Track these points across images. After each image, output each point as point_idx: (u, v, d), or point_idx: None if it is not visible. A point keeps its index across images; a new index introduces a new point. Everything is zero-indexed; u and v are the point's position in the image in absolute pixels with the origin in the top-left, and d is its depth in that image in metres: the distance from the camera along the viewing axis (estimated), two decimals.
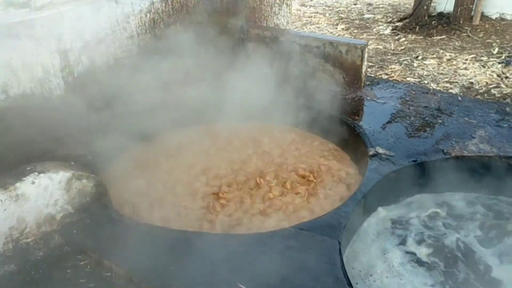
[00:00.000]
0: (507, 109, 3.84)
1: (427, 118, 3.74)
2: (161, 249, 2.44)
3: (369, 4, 9.61)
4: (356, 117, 3.84)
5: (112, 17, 3.40)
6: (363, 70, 4.23)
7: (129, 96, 3.69)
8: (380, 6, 9.44)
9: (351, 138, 3.68)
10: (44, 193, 2.54)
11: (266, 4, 5.01)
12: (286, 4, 5.38)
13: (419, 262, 2.76)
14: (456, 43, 6.67)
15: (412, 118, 3.75)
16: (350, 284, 2.17)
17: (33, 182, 2.50)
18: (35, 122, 3.03)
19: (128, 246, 2.46)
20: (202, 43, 4.29)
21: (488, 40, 6.69)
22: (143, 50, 3.74)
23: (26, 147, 2.90)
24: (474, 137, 3.42)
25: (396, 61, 6.16)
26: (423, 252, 2.83)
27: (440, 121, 3.69)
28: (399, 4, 9.52)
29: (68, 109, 3.24)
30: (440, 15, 7.82)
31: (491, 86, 5.09)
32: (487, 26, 7.28)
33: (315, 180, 3.38)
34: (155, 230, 2.60)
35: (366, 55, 4.20)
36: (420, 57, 6.21)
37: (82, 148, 3.17)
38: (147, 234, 2.55)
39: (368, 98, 4.16)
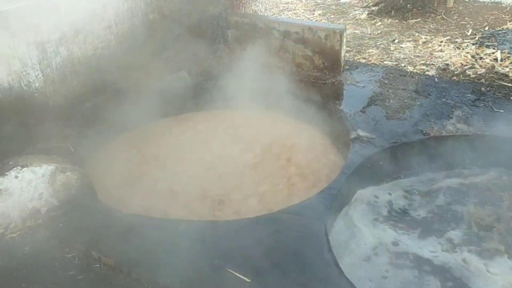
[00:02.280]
0: (482, 89, 3.94)
1: (405, 100, 3.81)
2: (149, 238, 2.45)
3: None
4: (337, 101, 3.89)
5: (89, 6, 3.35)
6: (342, 54, 4.26)
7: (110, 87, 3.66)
8: None
9: (332, 122, 3.73)
10: (28, 187, 2.51)
11: None
12: None
13: None
14: (431, 26, 6.76)
15: (391, 101, 3.81)
16: (337, 265, 2.23)
17: (16, 177, 2.47)
18: (15, 116, 2.98)
19: (115, 237, 2.47)
20: (182, 32, 4.26)
21: (462, 22, 6.80)
22: (121, 40, 3.69)
23: (7, 141, 2.86)
24: (451, 117, 3.50)
25: (373, 45, 6.22)
26: None
27: (418, 102, 3.77)
28: None
29: (48, 101, 3.19)
30: None
31: (466, 67, 5.19)
32: (460, 8, 7.39)
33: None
34: (142, 220, 2.61)
35: (344, 40, 4.23)
36: (396, 41, 6.28)
37: (64, 141, 3.14)
38: (134, 224, 2.55)
39: (348, 82, 4.21)
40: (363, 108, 3.72)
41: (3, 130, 2.86)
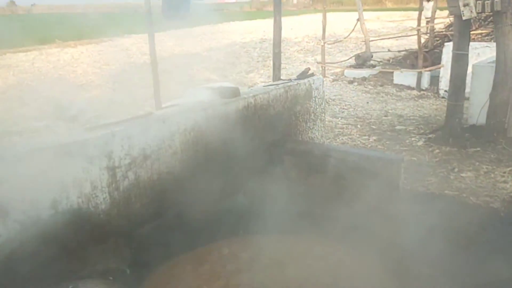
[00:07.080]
0: None
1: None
2: None
3: (400, 116, 9.84)
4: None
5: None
6: (400, 183, 4.23)
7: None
8: (411, 117, 9.65)
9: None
10: None
11: (301, 120, 5.24)
12: (320, 119, 5.60)
13: None
14: (492, 156, 6.64)
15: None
16: None
17: None
18: (78, 236, 3.10)
19: None
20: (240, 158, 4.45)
21: None
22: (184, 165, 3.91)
23: (65, 262, 2.94)
24: None
25: (431, 173, 6.14)
26: None
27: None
28: (430, 116, 9.72)
29: (111, 222, 3.33)
30: (473, 127, 7.89)
31: None
32: None
33: None
34: None
35: (402, 170, 4.23)
36: (456, 170, 6.18)
37: (122, 263, 3.19)
38: None
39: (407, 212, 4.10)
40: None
41: (64, 251, 2.96)
